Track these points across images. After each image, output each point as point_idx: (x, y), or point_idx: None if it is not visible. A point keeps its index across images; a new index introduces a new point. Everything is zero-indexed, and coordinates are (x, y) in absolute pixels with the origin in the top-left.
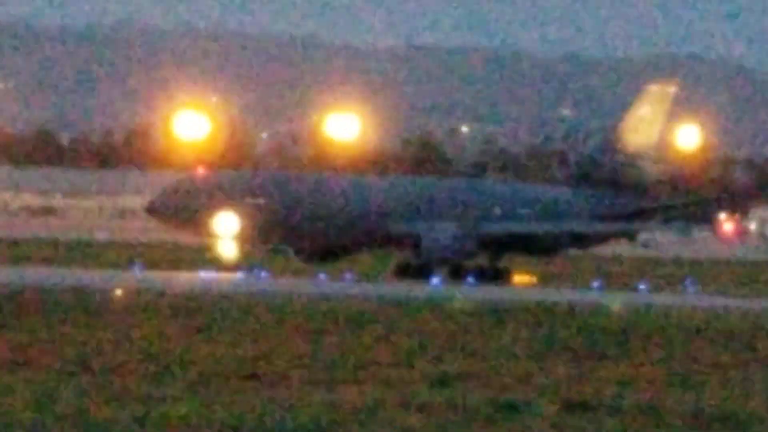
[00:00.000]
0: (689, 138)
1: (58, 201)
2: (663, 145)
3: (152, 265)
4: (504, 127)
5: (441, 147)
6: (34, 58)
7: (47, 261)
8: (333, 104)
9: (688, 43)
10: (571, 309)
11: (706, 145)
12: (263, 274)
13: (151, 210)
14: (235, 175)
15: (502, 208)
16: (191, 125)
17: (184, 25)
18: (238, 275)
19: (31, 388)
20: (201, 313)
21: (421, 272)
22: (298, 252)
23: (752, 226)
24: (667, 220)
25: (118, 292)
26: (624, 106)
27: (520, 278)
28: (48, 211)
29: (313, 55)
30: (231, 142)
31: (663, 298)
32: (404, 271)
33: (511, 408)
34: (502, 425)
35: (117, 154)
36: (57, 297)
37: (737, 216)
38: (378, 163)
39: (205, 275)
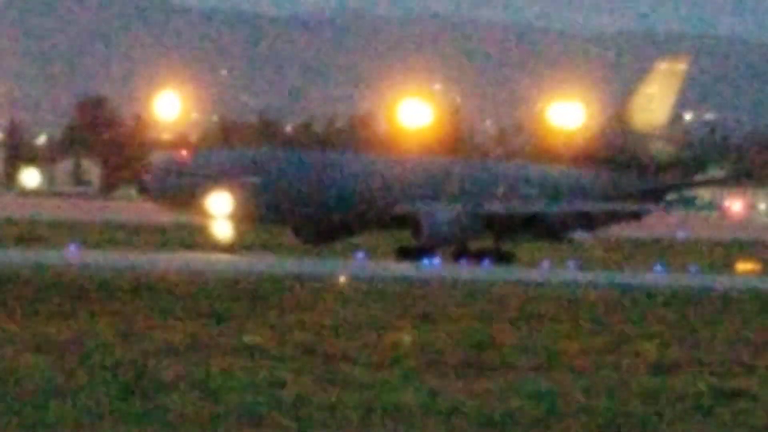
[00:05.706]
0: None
1: None
2: (672, 125)
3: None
4: (725, 114)
5: None
6: (258, 46)
7: (272, 248)
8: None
9: None
10: None
11: None
12: (485, 263)
13: (143, 190)
14: (232, 153)
15: (507, 189)
16: (414, 112)
17: (409, 13)
18: (463, 263)
19: (256, 373)
20: (423, 300)
21: (423, 254)
22: (297, 232)
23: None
24: (675, 201)
25: (342, 279)
26: None
27: (743, 266)
28: None
29: (538, 43)
30: (453, 130)
31: None
32: (406, 254)
33: (734, 396)
34: (724, 414)
35: (340, 140)
36: (283, 284)
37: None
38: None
39: (425, 264)
